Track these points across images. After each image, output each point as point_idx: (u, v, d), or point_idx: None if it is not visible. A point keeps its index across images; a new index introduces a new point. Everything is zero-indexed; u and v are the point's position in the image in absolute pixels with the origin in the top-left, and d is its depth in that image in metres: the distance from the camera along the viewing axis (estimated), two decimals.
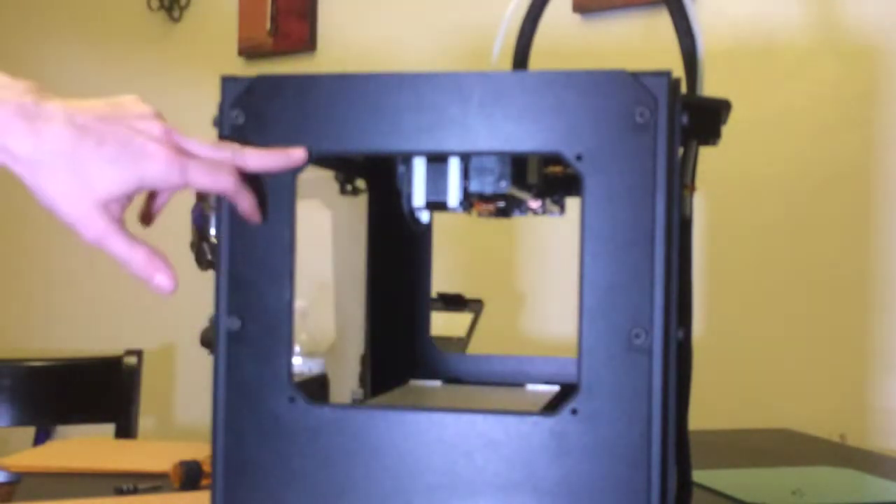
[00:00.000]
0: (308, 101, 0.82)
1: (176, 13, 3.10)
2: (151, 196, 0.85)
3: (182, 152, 0.79)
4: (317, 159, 0.85)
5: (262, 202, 0.83)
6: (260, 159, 0.81)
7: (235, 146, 0.82)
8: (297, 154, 0.82)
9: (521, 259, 2.37)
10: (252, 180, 0.82)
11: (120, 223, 0.78)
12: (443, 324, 1.62)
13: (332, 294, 1.28)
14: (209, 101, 0.88)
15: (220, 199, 0.84)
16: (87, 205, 0.77)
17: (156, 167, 0.77)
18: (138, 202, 0.84)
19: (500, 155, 0.85)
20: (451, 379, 1.07)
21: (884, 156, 1.91)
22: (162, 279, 0.79)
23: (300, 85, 0.83)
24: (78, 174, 0.76)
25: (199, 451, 1.23)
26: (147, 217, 0.86)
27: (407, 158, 0.87)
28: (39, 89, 0.77)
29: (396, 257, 1.09)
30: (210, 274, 0.87)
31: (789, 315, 2.01)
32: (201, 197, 1.60)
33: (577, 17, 2.28)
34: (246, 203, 0.81)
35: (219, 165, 0.79)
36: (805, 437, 1.60)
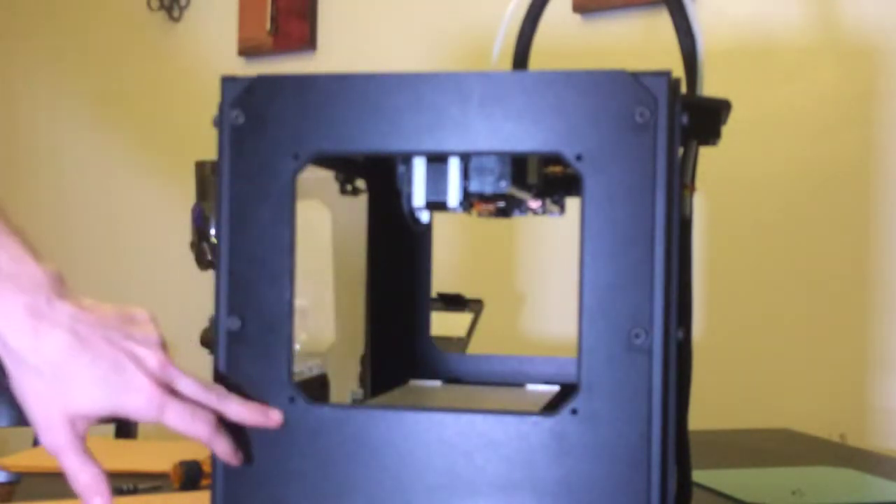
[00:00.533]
0: (308, 101, 0.82)
1: (176, 13, 3.10)
2: None
3: (169, 390, 0.79)
4: (317, 159, 0.85)
5: (245, 445, 0.83)
6: (240, 412, 0.82)
7: (221, 390, 0.82)
8: (275, 416, 0.82)
9: (521, 259, 2.37)
10: (234, 428, 0.82)
11: (80, 439, 0.79)
12: (443, 324, 1.62)
13: (332, 294, 1.28)
14: (209, 101, 0.88)
15: (219, 198, 0.84)
16: (57, 416, 0.77)
17: (137, 402, 0.78)
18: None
19: (500, 155, 0.85)
20: (451, 379, 1.07)
21: (884, 156, 1.91)
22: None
23: (300, 85, 0.83)
24: (60, 385, 0.76)
25: (199, 451, 1.23)
26: None
27: (407, 158, 0.87)
28: (58, 283, 0.78)
29: (396, 257, 1.09)
30: (210, 274, 0.87)
31: (789, 315, 2.01)
32: (202, 197, 1.61)
33: (577, 17, 2.28)
34: (220, 448, 0.82)
35: (197, 412, 0.80)
36: (805, 437, 1.60)
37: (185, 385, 0.80)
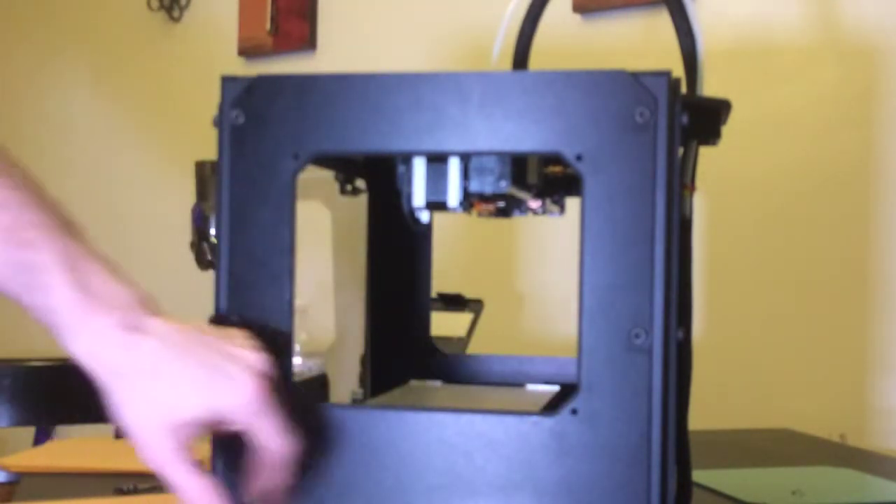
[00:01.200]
0: (308, 101, 0.82)
1: (176, 13, 3.10)
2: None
3: (271, 396, 0.76)
4: (317, 159, 0.85)
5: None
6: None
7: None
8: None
9: (521, 259, 2.37)
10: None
11: (184, 450, 0.75)
12: (443, 324, 1.61)
13: (332, 294, 1.28)
14: (209, 101, 0.88)
15: (219, 198, 0.84)
16: (156, 426, 0.74)
17: (236, 400, 0.75)
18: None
19: (500, 155, 0.85)
20: (451, 379, 1.07)
21: (884, 156, 1.91)
22: None
23: (300, 85, 0.83)
24: (155, 395, 0.74)
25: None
26: None
27: (407, 158, 0.87)
28: (149, 302, 0.76)
29: (396, 257, 1.09)
30: (210, 274, 0.87)
31: (789, 315, 2.01)
32: (202, 197, 1.61)
33: (577, 17, 2.28)
34: (277, 479, 0.79)
35: (285, 434, 0.77)
36: (805, 437, 1.60)
37: (284, 402, 0.78)
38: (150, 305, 0.76)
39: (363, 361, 1.07)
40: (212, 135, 0.84)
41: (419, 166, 0.87)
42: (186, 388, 0.74)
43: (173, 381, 0.74)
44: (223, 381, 0.74)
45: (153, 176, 3.08)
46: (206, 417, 0.75)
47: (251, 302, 0.83)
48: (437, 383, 1.06)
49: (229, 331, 0.79)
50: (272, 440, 0.77)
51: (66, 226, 0.75)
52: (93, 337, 0.74)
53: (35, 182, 0.76)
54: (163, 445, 0.74)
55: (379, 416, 0.82)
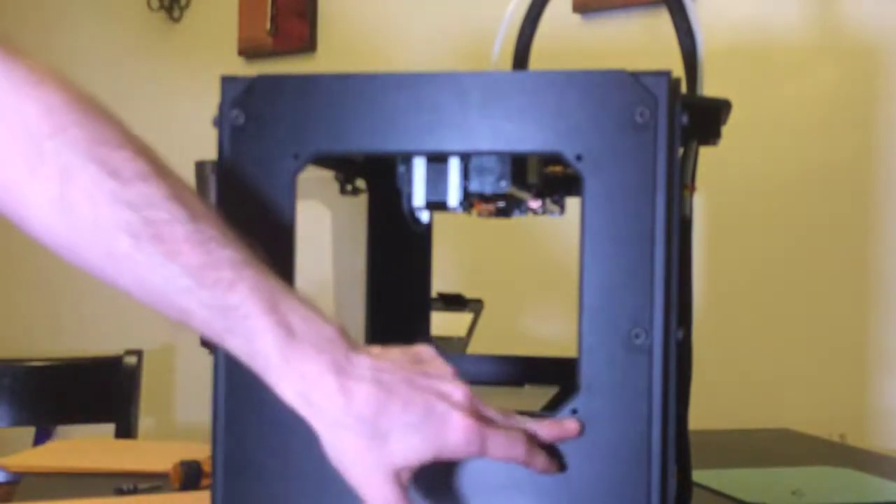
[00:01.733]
0: (308, 101, 0.82)
1: (176, 13, 3.10)
2: None
3: (483, 420, 0.75)
4: (317, 159, 0.85)
5: (554, 452, 0.79)
6: (539, 429, 0.78)
7: (517, 416, 0.79)
8: (573, 426, 0.79)
9: (521, 259, 2.37)
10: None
11: (405, 490, 0.74)
12: (443, 324, 1.61)
13: (332, 294, 1.28)
14: (209, 101, 0.88)
15: (219, 198, 0.84)
16: (379, 471, 0.73)
17: (457, 439, 0.73)
18: None
19: (500, 155, 0.85)
20: None
21: (884, 156, 1.91)
22: None
23: (300, 85, 0.83)
24: (377, 440, 0.72)
25: (199, 451, 1.23)
26: None
27: (407, 158, 0.87)
28: (347, 337, 0.74)
29: (396, 257, 1.08)
30: None
31: (789, 315, 2.01)
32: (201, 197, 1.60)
33: (577, 17, 2.28)
34: (540, 464, 0.78)
35: (511, 435, 0.76)
36: (805, 437, 1.60)
37: (490, 412, 0.77)
38: (349, 340, 0.74)
39: None
40: (212, 135, 0.84)
41: (419, 166, 0.87)
42: (408, 436, 0.73)
43: (394, 430, 0.72)
44: (442, 425, 0.73)
45: None
46: (428, 460, 0.74)
47: None
48: None
49: (419, 353, 0.78)
50: (501, 452, 0.76)
51: (253, 258, 0.73)
52: (304, 383, 0.72)
53: (211, 206, 0.74)
54: (388, 490, 0.73)
55: None
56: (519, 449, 0.76)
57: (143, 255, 0.70)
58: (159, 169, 0.72)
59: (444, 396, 0.74)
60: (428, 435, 0.73)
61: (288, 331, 0.71)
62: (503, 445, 0.75)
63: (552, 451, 0.79)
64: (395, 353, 0.76)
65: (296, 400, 0.73)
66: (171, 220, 0.70)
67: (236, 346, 0.72)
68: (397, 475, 0.73)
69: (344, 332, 0.74)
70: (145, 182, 0.71)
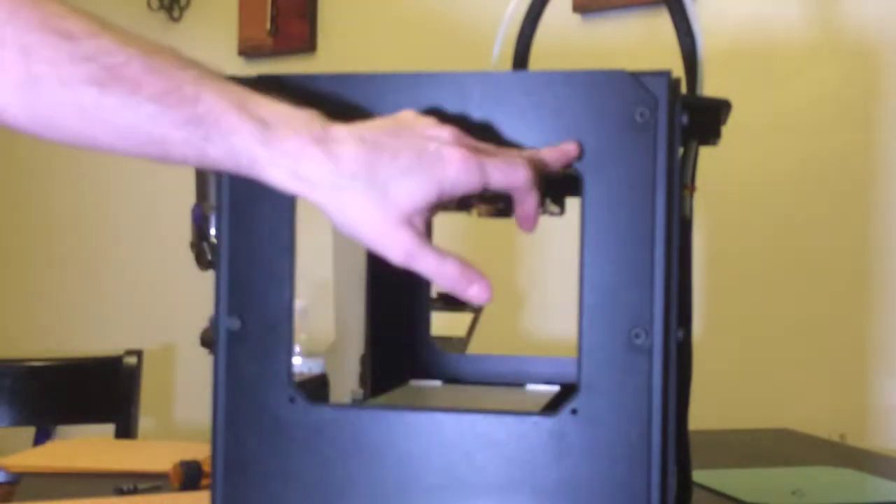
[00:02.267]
0: (308, 101, 0.82)
1: (176, 13, 3.10)
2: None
3: (477, 150, 0.76)
4: None
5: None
6: (549, 154, 0.78)
7: (516, 149, 0.79)
8: (573, 149, 0.78)
9: (521, 259, 2.37)
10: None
11: (425, 237, 0.75)
12: (443, 324, 1.62)
13: (332, 294, 1.28)
14: None
15: (220, 198, 0.84)
16: (390, 222, 0.73)
17: (454, 170, 0.74)
18: None
19: None
20: (451, 379, 1.07)
21: (884, 155, 1.91)
22: (476, 290, 0.77)
23: (300, 85, 0.83)
24: (377, 192, 0.73)
25: (199, 451, 1.23)
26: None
27: None
28: (319, 115, 0.75)
29: None
30: (210, 274, 0.87)
31: (789, 315, 2.01)
32: (202, 197, 1.61)
33: (577, 17, 2.28)
34: (531, 204, 0.78)
35: (513, 159, 0.76)
36: (805, 437, 1.60)
37: (484, 145, 0.77)
38: (323, 118, 0.76)
39: (363, 361, 1.07)
40: None
41: None
42: (405, 177, 0.73)
43: (390, 174, 0.73)
44: (437, 162, 0.74)
45: (153, 176, 3.08)
46: (434, 200, 0.74)
47: (251, 302, 0.83)
48: (437, 383, 1.06)
49: (401, 116, 0.78)
50: (503, 178, 0.75)
51: (212, 73, 0.75)
52: (289, 161, 0.73)
53: (162, 44, 0.76)
54: (405, 239, 0.74)
55: (379, 416, 0.82)
56: (521, 172, 0.76)
57: (110, 99, 0.73)
58: (105, 25, 0.76)
59: (431, 138, 0.75)
60: (425, 174, 0.74)
61: (261, 121, 0.73)
62: (504, 170, 0.75)
63: None
64: (375, 120, 0.78)
65: (288, 181, 0.74)
66: (128, 61, 0.73)
67: (219, 155, 0.74)
68: (409, 221, 0.74)
69: (318, 114, 0.75)
70: (97, 37, 0.74)
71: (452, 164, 0.74)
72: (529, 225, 0.80)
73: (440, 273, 0.75)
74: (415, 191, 0.74)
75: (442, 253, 0.75)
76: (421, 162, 0.74)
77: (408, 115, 0.78)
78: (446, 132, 0.75)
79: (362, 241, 0.75)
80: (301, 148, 0.73)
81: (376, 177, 0.73)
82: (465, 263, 0.76)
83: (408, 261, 0.75)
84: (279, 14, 2.83)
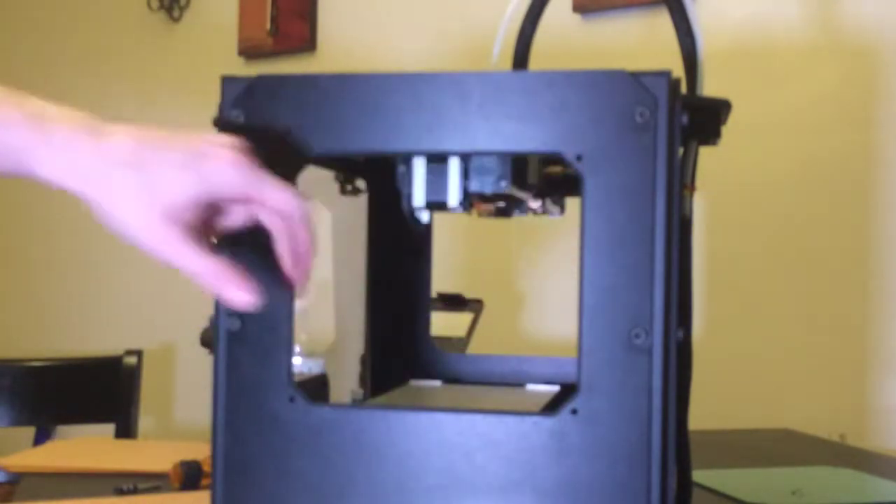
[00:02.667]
0: (308, 101, 0.82)
1: (176, 13, 3.10)
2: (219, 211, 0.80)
3: (253, 163, 0.76)
4: (317, 159, 0.85)
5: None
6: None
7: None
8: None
9: (521, 259, 2.37)
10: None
11: (189, 234, 0.74)
12: (443, 324, 1.61)
13: (332, 294, 1.28)
14: (209, 101, 0.88)
15: None
16: (154, 216, 0.73)
17: (223, 168, 0.74)
18: None
19: (500, 155, 0.85)
20: (451, 379, 1.07)
21: (884, 155, 1.91)
22: (235, 294, 0.75)
23: (300, 85, 0.83)
24: (144, 183, 0.73)
25: (199, 451, 1.23)
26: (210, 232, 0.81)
27: (407, 158, 0.87)
28: (98, 118, 0.76)
29: (396, 257, 1.09)
30: None
31: (789, 315, 2.01)
32: None
33: (577, 17, 2.28)
34: (306, 236, 0.78)
35: (292, 192, 0.77)
36: (805, 437, 1.60)
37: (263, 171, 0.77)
38: (102, 120, 0.76)
39: (363, 361, 1.07)
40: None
41: (419, 166, 0.87)
42: (174, 170, 0.74)
43: (159, 166, 0.74)
44: (206, 159, 0.74)
45: None
46: (201, 197, 0.74)
47: None
48: (437, 383, 1.06)
49: (183, 131, 0.79)
50: (278, 196, 0.76)
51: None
52: (62, 152, 0.74)
53: None
54: (168, 234, 0.74)
55: (379, 416, 0.82)
56: (294, 204, 0.76)
57: None
58: None
59: (205, 140, 0.76)
60: (194, 171, 0.74)
61: (39, 116, 0.74)
62: (280, 194, 0.76)
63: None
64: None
65: (61, 176, 0.74)
66: None
67: (1, 159, 0.74)
68: (173, 216, 0.74)
69: (96, 118, 0.76)
70: None
71: (222, 163, 0.74)
72: (306, 258, 0.79)
73: (200, 271, 0.75)
74: (181, 185, 0.74)
75: (205, 252, 0.75)
76: (192, 159, 0.74)
77: (191, 132, 0.78)
78: (225, 138, 0.77)
79: (127, 233, 0.74)
80: (71, 140, 0.74)
81: (145, 169, 0.74)
82: (228, 266, 0.75)
83: (169, 256, 0.74)
84: (279, 14, 2.83)
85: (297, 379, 0.84)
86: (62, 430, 2.35)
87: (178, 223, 0.74)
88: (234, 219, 0.79)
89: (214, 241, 0.81)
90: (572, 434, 0.78)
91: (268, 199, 0.76)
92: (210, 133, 0.78)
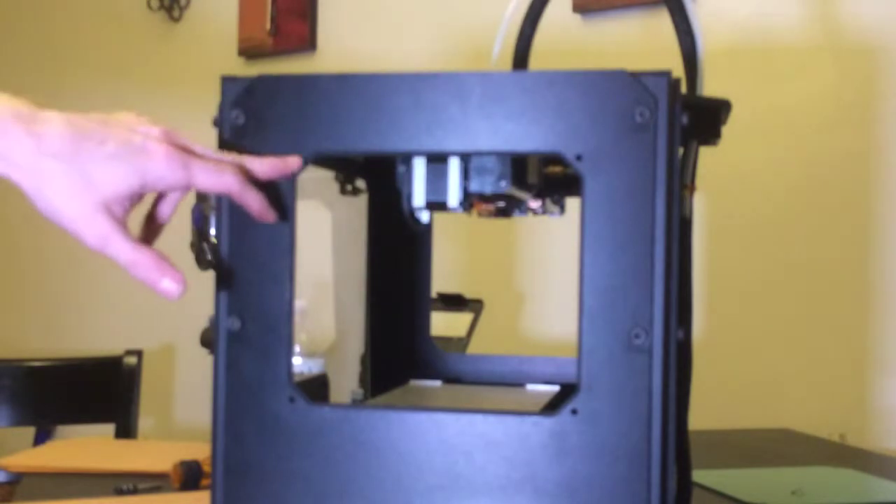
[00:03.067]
0: (308, 101, 0.82)
1: (176, 13, 3.10)
2: (157, 200, 0.83)
3: (185, 150, 0.78)
4: (317, 159, 0.85)
5: (272, 201, 0.82)
6: (259, 164, 0.81)
7: (235, 154, 0.81)
8: (294, 162, 0.82)
9: (521, 259, 2.37)
10: (257, 182, 0.82)
11: (123, 225, 0.76)
12: (443, 324, 1.62)
13: (332, 294, 1.28)
14: (209, 101, 0.88)
15: (220, 198, 0.84)
16: (89, 206, 0.75)
17: (157, 163, 0.76)
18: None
19: (500, 155, 0.85)
20: (451, 379, 1.07)
21: (884, 155, 1.91)
22: (168, 284, 0.77)
23: (300, 85, 0.83)
24: (79, 174, 0.74)
25: (199, 451, 1.23)
26: (152, 224, 0.84)
27: (407, 158, 0.87)
28: (35, 102, 0.77)
29: (396, 257, 1.09)
30: (210, 274, 0.87)
31: (789, 315, 2.01)
32: (201, 197, 1.61)
33: (577, 17, 2.28)
34: (255, 202, 0.80)
35: (223, 165, 0.78)
36: (805, 437, 1.60)
37: (199, 148, 0.79)
38: (37, 104, 0.77)
39: (363, 361, 1.07)
40: (212, 135, 0.84)
41: (419, 166, 0.87)
42: (108, 164, 0.75)
43: (94, 159, 0.75)
44: (142, 154, 0.76)
45: None
46: (135, 189, 0.76)
47: (251, 302, 0.83)
48: (437, 383, 1.06)
49: (117, 114, 0.80)
50: (212, 180, 0.78)
51: None
52: None
53: None
54: (102, 223, 0.75)
55: (379, 416, 0.82)
56: (228, 178, 0.78)
57: None
58: None
59: (139, 132, 0.77)
60: (129, 163, 0.75)
61: None
62: (210, 173, 0.77)
63: (274, 199, 0.81)
64: (90, 114, 0.79)
65: None
66: None
67: None
68: (108, 207, 0.75)
69: (33, 101, 0.76)
70: None
71: (156, 157, 0.76)
72: (268, 217, 0.81)
73: (133, 262, 0.76)
74: (116, 178, 0.75)
75: (137, 243, 0.77)
76: (126, 151, 0.75)
77: (124, 114, 0.80)
78: (156, 130, 0.78)
79: (60, 222, 0.76)
80: (4, 125, 0.74)
81: (79, 159, 0.74)
82: (161, 256, 0.77)
83: (102, 246, 0.76)
84: (279, 14, 2.83)
85: (297, 379, 0.84)
86: (62, 430, 2.35)
87: (111, 214, 0.75)
88: (174, 199, 0.83)
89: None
90: (572, 434, 0.78)
91: (202, 185, 0.78)
92: (143, 120, 0.79)
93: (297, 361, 1.37)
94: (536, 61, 1.00)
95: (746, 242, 2.07)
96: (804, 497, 1.18)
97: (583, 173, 0.78)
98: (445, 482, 0.80)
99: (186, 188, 0.78)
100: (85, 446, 1.44)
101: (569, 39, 2.24)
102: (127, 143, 0.76)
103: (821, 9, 1.97)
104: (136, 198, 0.77)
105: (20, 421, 2.00)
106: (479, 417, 0.80)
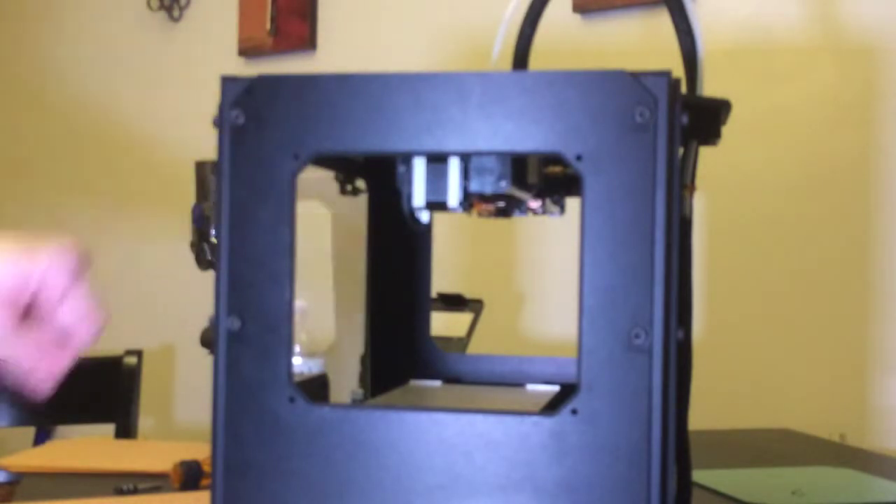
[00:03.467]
0: (308, 101, 0.82)
1: (176, 13, 3.10)
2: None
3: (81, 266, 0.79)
4: (317, 159, 0.85)
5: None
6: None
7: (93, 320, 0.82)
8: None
9: (521, 259, 2.37)
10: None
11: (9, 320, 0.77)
12: (443, 324, 1.62)
13: (332, 294, 1.28)
14: (209, 101, 0.88)
15: (219, 198, 0.84)
16: None
17: (48, 262, 0.78)
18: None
19: (500, 155, 0.85)
20: (451, 379, 1.07)
21: (883, 155, 1.91)
22: (40, 382, 0.81)
23: (300, 85, 0.83)
24: None
25: (199, 451, 1.23)
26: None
27: (407, 158, 0.87)
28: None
29: (396, 257, 1.08)
30: (210, 274, 0.87)
31: (789, 315, 2.01)
32: (202, 197, 1.61)
33: (577, 17, 2.28)
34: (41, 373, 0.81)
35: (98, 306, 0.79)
36: (805, 437, 1.60)
37: (71, 301, 0.81)
38: None
39: (363, 361, 1.07)
40: (212, 135, 0.84)
41: (419, 166, 0.87)
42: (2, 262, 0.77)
43: None
44: (33, 251, 0.78)
45: (153, 176, 3.08)
46: (18, 285, 0.77)
47: (251, 302, 0.83)
48: (437, 383, 1.06)
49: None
50: (82, 308, 0.79)
51: None
52: None
53: None
54: None
55: (379, 416, 0.82)
56: (92, 320, 0.81)
57: None
58: None
59: (44, 238, 0.80)
60: (20, 261, 0.78)
61: None
62: (87, 300, 0.80)
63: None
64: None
65: None
66: None
67: None
68: None
69: None
70: None
71: (53, 258, 0.78)
72: (43, 388, 0.83)
73: (15, 356, 0.79)
74: (3, 275, 0.77)
75: (24, 339, 0.79)
76: (20, 251, 0.78)
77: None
78: (64, 240, 0.80)
79: None
80: None
81: None
82: (43, 353, 0.80)
83: None
84: (279, 14, 2.83)
85: (297, 379, 0.84)
86: (62, 430, 2.35)
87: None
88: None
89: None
90: (572, 434, 0.78)
91: (74, 307, 0.80)
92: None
93: (297, 361, 1.37)
94: (536, 61, 1.00)
95: (746, 242, 2.07)
96: (804, 497, 1.18)
97: (583, 173, 0.78)
98: (445, 482, 0.80)
99: (65, 298, 0.80)
100: (85, 446, 1.44)
101: (569, 39, 2.24)
102: (24, 243, 0.78)
103: (821, 9, 1.97)
104: (22, 298, 0.78)
105: (20, 421, 2.00)
106: (478, 417, 0.80)
